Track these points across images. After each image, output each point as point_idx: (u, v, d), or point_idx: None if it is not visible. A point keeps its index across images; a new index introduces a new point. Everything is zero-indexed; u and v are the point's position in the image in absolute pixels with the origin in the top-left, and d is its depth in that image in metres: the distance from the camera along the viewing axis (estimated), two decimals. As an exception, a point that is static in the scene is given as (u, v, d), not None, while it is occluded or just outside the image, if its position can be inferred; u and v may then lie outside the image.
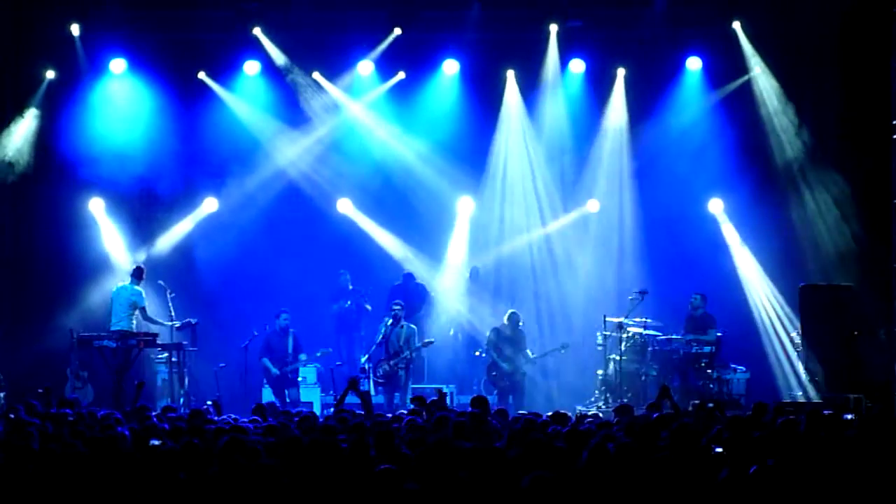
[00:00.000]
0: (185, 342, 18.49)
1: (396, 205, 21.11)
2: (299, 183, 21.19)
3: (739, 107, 20.79)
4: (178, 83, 20.78)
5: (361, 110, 21.30)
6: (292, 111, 21.13)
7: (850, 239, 19.74)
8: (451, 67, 21.12)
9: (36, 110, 20.49)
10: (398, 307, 19.11)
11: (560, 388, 19.64)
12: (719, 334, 19.18)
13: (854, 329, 18.73)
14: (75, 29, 20.32)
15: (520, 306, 20.01)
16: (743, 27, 20.61)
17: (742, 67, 20.74)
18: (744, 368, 19.29)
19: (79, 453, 8.68)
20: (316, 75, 21.00)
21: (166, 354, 18.43)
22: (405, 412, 12.86)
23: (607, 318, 19.14)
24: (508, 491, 7.62)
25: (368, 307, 20.78)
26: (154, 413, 12.31)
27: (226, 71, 21.03)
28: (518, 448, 8.87)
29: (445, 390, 16.43)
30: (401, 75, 21.17)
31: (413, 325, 19.19)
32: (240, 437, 9.13)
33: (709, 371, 18.74)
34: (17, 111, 20.42)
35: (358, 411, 12.10)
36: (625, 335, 18.88)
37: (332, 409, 14.12)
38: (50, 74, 20.51)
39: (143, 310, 18.38)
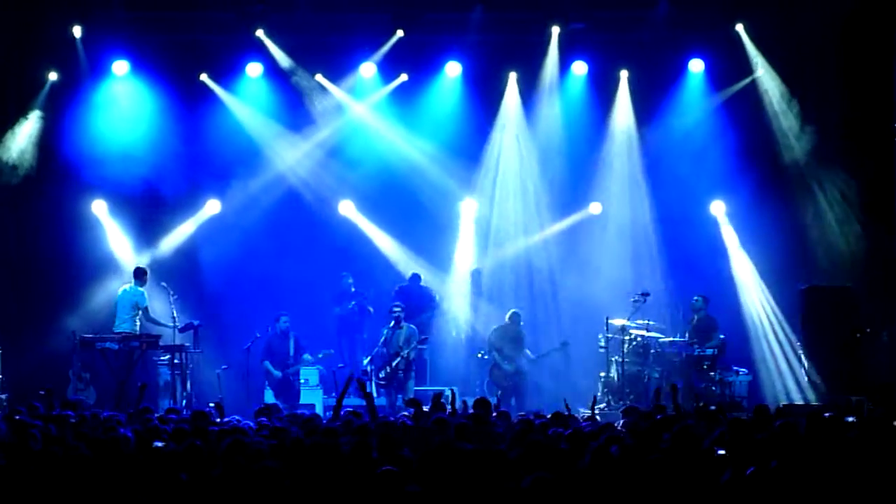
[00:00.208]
0: (187, 344, 18.52)
1: (399, 207, 21.09)
2: (302, 185, 21.19)
3: (742, 109, 20.80)
4: (180, 85, 20.78)
5: (364, 112, 21.32)
6: (295, 113, 21.14)
7: (852, 241, 19.74)
8: (453, 69, 21.13)
9: (39, 112, 20.49)
10: (398, 309, 19.13)
11: (562, 390, 19.61)
12: (722, 337, 19.20)
13: (857, 331, 18.74)
14: (77, 31, 20.32)
15: (521, 308, 20.01)
16: (746, 29, 20.61)
17: (745, 69, 20.74)
18: (746, 371, 19.29)
19: (82, 455, 8.68)
20: (319, 77, 21.02)
21: (169, 356, 18.46)
22: (406, 414, 12.87)
23: (609, 320, 19.14)
24: (510, 492, 7.62)
25: (371, 309, 20.78)
26: (156, 415, 12.32)
27: (228, 73, 21.03)
28: (519, 449, 8.87)
29: (447, 392, 16.39)
30: (403, 77, 21.17)
31: (413, 326, 19.19)
32: (242, 438, 9.14)
33: (711, 373, 18.74)
34: (21, 113, 20.41)
35: (361, 412, 12.11)
36: (627, 337, 18.90)
37: (331, 411, 14.11)
38: (53, 76, 20.51)
39: (145, 310, 18.41)
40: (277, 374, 18.94)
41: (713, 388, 18.60)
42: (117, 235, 20.81)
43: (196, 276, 20.78)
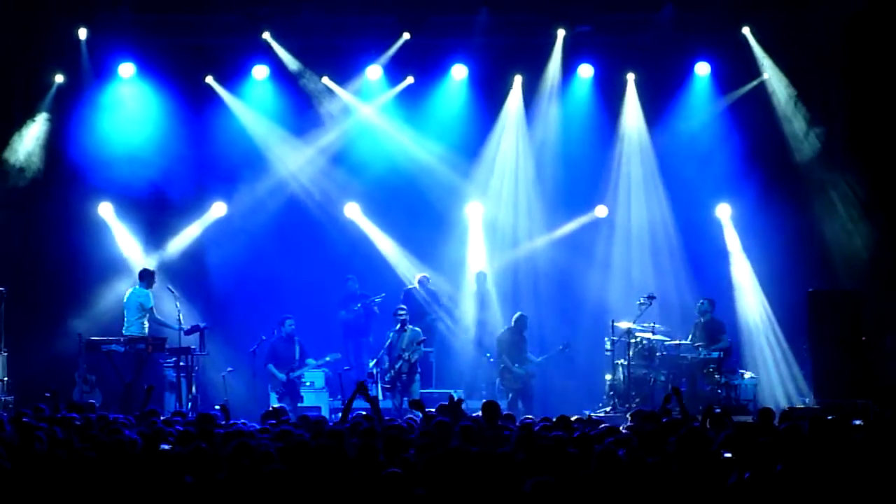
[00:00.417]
0: (193, 346, 18.52)
1: (405, 209, 21.10)
2: (307, 188, 21.20)
3: (748, 112, 20.78)
4: (186, 87, 20.81)
5: (370, 115, 21.33)
6: (301, 116, 21.16)
7: (859, 244, 19.71)
8: (459, 72, 21.15)
9: (46, 115, 20.52)
10: (402, 312, 19.12)
11: (567, 393, 19.61)
12: (729, 340, 19.19)
13: (862, 334, 18.71)
14: (83, 33, 20.35)
15: (526, 311, 19.99)
16: (752, 32, 20.59)
17: (751, 72, 20.72)
18: (752, 374, 19.27)
19: (87, 457, 8.69)
20: (325, 80, 21.03)
21: (175, 359, 18.46)
22: (413, 417, 12.86)
23: (615, 323, 19.12)
24: (516, 496, 7.61)
25: (376, 309, 20.75)
26: (162, 417, 12.32)
27: (234, 75, 21.06)
28: (525, 453, 8.86)
29: (455, 395, 16.38)
30: (409, 80, 21.19)
31: (418, 329, 19.17)
32: (248, 441, 9.13)
33: (717, 376, 18.72)
34: (27, 115, 20.46)
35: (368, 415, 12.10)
36: (633, 340, 18.88)
37: (339, 415, 14.09)
38: (59, 79, 20.54)
39: (150, 311, 18.43)
40: (282, 376, 18.94)
41: (719, 390, 18.58)
42: (125, 238, 20.84)
43: (202, 279, 20.81)
